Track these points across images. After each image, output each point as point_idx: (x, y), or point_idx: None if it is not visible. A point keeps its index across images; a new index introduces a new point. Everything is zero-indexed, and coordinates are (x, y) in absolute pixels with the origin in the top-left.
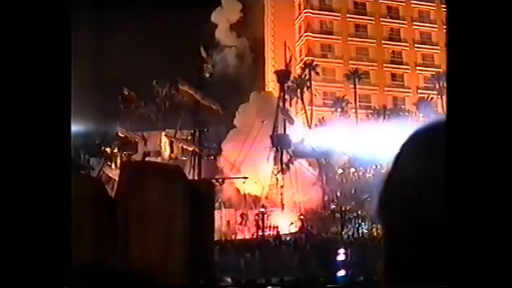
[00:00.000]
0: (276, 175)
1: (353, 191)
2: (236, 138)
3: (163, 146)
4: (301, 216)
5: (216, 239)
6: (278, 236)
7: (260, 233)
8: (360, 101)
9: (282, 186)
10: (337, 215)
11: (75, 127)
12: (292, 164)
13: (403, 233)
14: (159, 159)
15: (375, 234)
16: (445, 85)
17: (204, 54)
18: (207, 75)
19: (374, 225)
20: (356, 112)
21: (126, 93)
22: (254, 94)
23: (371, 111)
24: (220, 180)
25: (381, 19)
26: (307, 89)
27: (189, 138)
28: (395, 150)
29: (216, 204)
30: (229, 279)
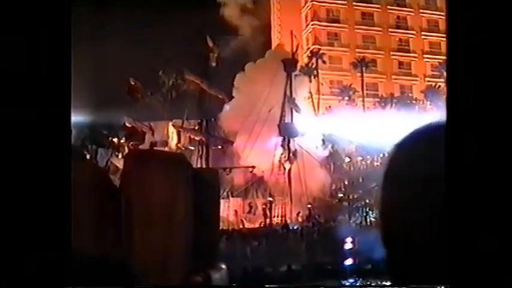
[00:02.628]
0: (283, 164)
1: (361, 180)
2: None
3: (171, 135)
4: (309, 205)
5: (223, 228)
6: (285, 225)
7: (268, 222)
8: (367, 89)
9: (289, 175)
10: (345, 203)
11: (82, 118)
12: (300, 152)
13: (404, 233)
14: (166, 149)
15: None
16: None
17: (210, 43)
18: (214, 64)
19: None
20: (363, 100)
21: (133, 83)
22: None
23: (378, 99)
24: (227, 169)
25: (388, 7)
26: (314, 78)
27: (196, 127)
28: (395, 148)
29: (224, 194)
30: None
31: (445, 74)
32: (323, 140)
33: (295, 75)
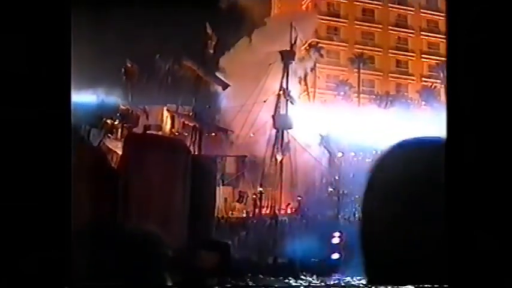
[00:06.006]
0: (275, 155)
1: (352, 175)
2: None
3: (165, 120)
4: (299, 198)
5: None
6: (274, 216)
7: (257, 212)
8: (363, 86)
9: (281, 167)
10: (335, 198)
11: (77, 97)
12: (293, 145)
13: (404, 233)
14: (159, 134)
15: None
16: None
17: (209, 30)
18: (211, 51)
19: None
20: (358, 96)
21: (129, 65)
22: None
23: (374, 96)
24: (219, 157)
25: (389, 4)
26: (311, 71)
27: (190, 114)
28: (394, 143)
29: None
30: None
31: (441, 75)
32: (316, 134)
33: (292, 67)
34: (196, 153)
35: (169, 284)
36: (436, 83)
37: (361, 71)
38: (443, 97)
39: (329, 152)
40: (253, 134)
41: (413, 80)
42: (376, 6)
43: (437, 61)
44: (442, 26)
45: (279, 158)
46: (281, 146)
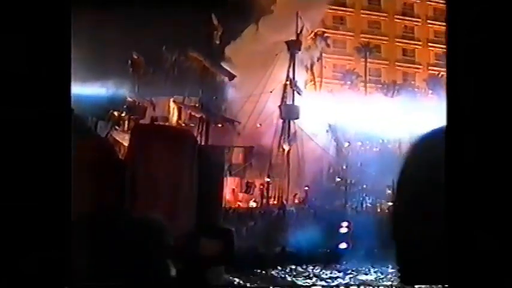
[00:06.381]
0: (282, 145)
1: (359, 164)
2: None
3: (172, 111)
4: (306, 188)
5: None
6: (282, 206)
7: (264, 202)
8: (369, 75)
9: (288, 157)
10: (342, 187)
11: (84, 90)
12: (299, 135)
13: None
14: (167, 124)
15: (379, 208)
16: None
17: (215, 21)
18: (217, 42)
19: (378, 199)
20: (365, 86)
21: (135, 57)
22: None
23: (380, 85)
24: (226, 148)
25: None
26: (317, 61)
27: (197, 105)
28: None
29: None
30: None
31: None
32: (323, 123)
33: (299, 57)
34: (203, 143)
35: (172, 271)
36: (443, 71)
37: (368, 60)
38: None
39: (336, 141)
40: (260, 124)
41: (420, 68)
42: None
43: (444, 49)
44: None
45: (286, 148)
46: (288, 136)
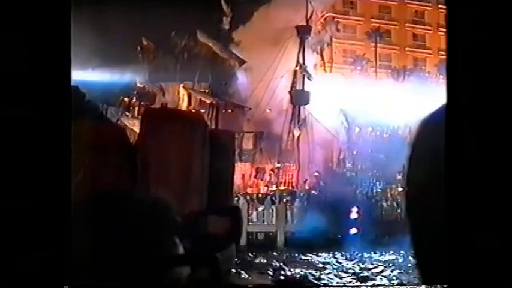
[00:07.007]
0: (292, 131)
1: (369, 150)
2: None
3: (181, 97)
4: (316, 173)
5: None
6: (292, 192)
7: (274, 188)
8: (380, 60)
9: (298, 143)
10: (352, 173)
11: (94, 76)
12: (310, 120)
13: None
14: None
15: (389, 194)
16: None
17: (224, 6)
18: (227, 28)
19: (388, 185)
20: (376, 71)
21: (145, 43)
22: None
23: (391, 70)
24: (236, 133)
25: None
26: (327, 46)
27: (207, 90)
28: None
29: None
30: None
31: None
32: (333, 109)
33: (309, 42)
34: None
35: (181, 248)
36: None
37: (378, 45)
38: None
39: (346, 127)
40: (270, 110)
41: (430, 53)
42: None
43: None
44: None
45: (296, 133)
46: (298, 121)
